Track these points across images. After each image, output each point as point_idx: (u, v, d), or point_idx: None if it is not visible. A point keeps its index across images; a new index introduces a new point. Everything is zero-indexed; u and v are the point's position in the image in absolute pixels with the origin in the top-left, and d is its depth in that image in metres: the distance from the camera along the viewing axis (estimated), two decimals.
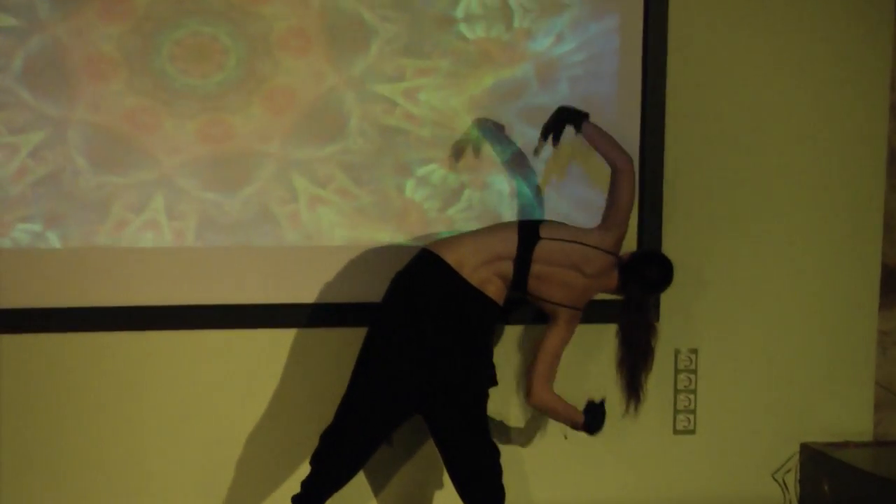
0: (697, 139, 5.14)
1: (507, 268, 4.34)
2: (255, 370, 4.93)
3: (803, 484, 5.23)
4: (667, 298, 5.07)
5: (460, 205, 4.92)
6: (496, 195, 4.98)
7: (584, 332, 4.91)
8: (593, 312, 4.84)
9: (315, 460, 4.44)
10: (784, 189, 5.21)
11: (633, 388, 4.52)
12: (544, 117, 4.81)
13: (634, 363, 4.52)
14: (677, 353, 5.17)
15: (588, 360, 5.09)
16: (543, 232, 4.39)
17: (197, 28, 4.70)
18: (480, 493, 4.49)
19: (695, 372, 5.20)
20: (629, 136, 4.98)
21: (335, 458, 4.40)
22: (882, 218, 5.27)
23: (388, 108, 4.83)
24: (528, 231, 4.40)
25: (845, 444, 5.20)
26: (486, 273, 4.33)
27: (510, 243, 4.36)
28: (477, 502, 4.50)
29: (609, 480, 5.18)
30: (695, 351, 5.19)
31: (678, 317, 5.15)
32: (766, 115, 5.18)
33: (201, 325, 4.89)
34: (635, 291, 4.46)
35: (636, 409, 4.53)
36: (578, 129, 4.56)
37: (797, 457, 5.27)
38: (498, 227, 4.50)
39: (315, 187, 4.78)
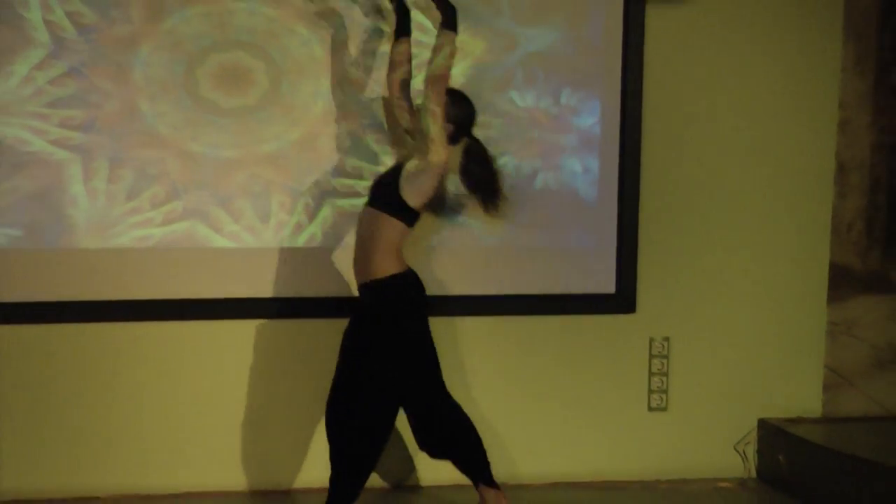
0: (670, 156, 5.27)
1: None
2: (275, 357, 5.08)
3: (761, 455, 5.40)
4: (643, 294, 5.30)
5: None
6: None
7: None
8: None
9: (344, 467, 4.46)
10: (747, 197, 5.35)
11: (492, 191, 4.55)
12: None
13: (487, 180, 4.55)
14: (651, 340, 5.34)
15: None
16: (406, 194, 4.38)
17: (230, 53, 4.89)
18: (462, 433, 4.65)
19: (667, 357, 5.35)
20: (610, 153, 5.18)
21: (365, 453, 4.48)
22: (830, 222, 5.42)
23: None
24: (404, 210, 4.40)
25: (798, 420, 5.38)
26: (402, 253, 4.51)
27: (406, 231, 4.45)
28: (465, 447, 4.64)
29: (589, 453, 5.33)
30: (667, 339, 5.35)
31: (653, 309, 5.33)
32: (730, 133, 5.32)
33: (234, 315, 5.03)
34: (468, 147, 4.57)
35: (497, 208, 4.55)
36: (446, 26, 4.41)
37: (756, 431, 5.42)
38: (382, 223, 4.42)
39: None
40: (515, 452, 5.29)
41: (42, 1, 4.75)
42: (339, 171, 5.02)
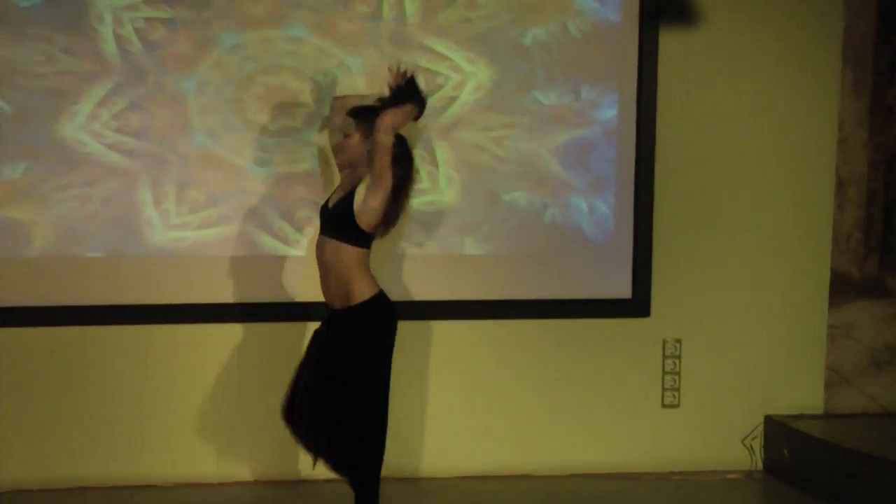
0: (683, 177, 5.37)
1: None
2: (287, 357, 4.97)
3: (767, 448, 5.49)
4: (656, 299, 5.39)
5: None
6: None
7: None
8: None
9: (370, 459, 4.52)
10: (753, 210, 5.44)
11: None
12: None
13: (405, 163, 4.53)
14: (665, 342, 5.43)
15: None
16: (361, 222, 4.45)
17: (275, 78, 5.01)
18: None
19: (679, 357, 5.43)
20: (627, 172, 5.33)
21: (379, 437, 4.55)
22: (831, 233, 5.51)
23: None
24: (361, 236, 4.48)
25: (801, 417, 5.47)
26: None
27: (368, 253, 4.53)
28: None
29: (608, 446, 5.41)
30: (679, 341, 5.44)
31: (666, 313, 5.42)
32: (739, 150, 5.40)
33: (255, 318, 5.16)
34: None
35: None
36: (416, 109, 4.51)
37: (762, 426, 5.50)
38: (346, 252, 4.48)
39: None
40: (538, 445, 5.39)
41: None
42: None
